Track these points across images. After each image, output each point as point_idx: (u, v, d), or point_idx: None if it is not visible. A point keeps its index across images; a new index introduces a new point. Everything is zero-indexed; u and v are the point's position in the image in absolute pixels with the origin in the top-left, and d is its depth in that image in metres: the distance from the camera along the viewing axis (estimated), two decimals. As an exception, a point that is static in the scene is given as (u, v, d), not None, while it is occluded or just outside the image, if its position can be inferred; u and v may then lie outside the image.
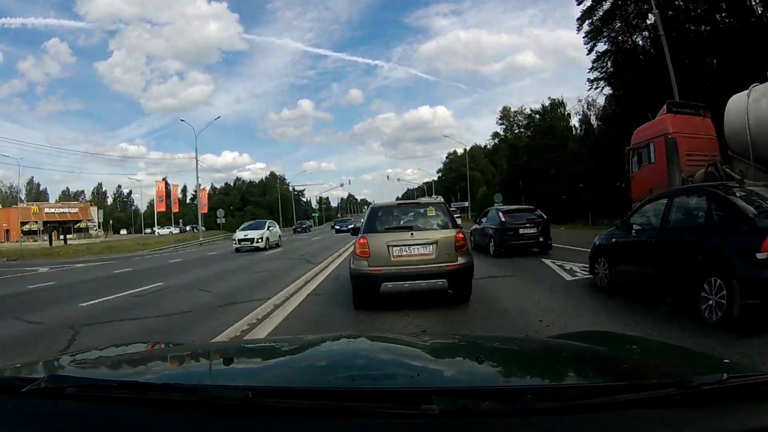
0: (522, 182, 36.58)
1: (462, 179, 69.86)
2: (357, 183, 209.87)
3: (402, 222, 6.11)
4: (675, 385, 0.84)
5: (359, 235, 6.08)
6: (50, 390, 0.93)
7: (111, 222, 69.68)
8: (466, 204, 56.28)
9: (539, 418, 0.80)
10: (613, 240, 6.41)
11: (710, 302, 4.24)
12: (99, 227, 55.44)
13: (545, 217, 12.75)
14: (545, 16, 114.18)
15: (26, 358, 4.15)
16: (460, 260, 5.75)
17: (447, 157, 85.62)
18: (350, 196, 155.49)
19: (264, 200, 79.08)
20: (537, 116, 39.40)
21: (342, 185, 74.68)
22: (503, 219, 12.31)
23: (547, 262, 9.98)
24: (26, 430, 0.91)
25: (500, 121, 47.63)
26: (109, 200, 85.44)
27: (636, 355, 1.33)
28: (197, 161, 36.85)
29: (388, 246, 5.73)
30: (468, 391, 0.91)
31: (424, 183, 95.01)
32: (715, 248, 4.39)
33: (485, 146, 70.77)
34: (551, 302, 6.02)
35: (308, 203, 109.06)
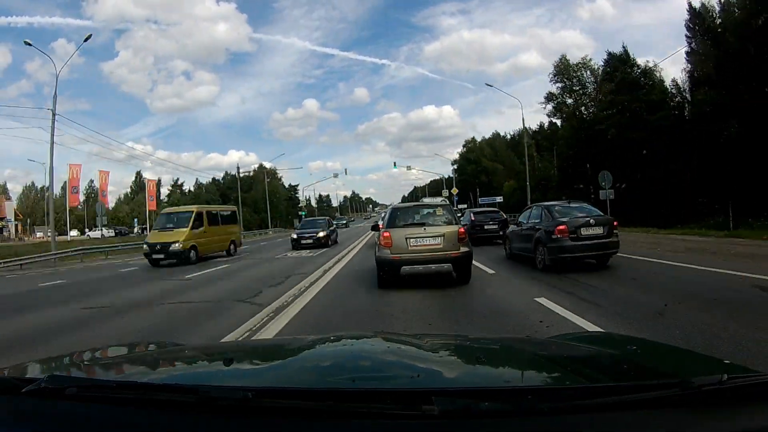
0: (591, 165, 26.79)
1: (483, 172, 62.76)
2: (362, 182, 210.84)
3: (416, 219, 7.62)
4: (675, 386, 0.84)
5: (383, 229, 7.62)
6: (50, 390, 0.93)
7: (30, 220, 61.05)
8: (498, 200, 45.24)
9: (539, 418, 0.80)
10: (509, 231, 11.47)
11: (539, 258, 8.83)
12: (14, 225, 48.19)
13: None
14: (552, 15, 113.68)
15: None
16: (462, 249, 7.27)
17: (464, 146, 74.67)
18: (354, 194, 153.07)
19: (249, 196, 65.85)
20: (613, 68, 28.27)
21: (336, 175, 61.95)
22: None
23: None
24: (26, 430, 0.91)
25: (555, 79, 34.14)
26: (81, 196, 78.55)
27: (636, 355, 1.33)
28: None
29: (406, 238, 7.24)
30: (468, 391, 0.91)
31: (431, 180, 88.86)
32: (540, 233, 8.94)
33: (512, 135, 61.87)
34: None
35: (308, 202, 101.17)
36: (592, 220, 8.50)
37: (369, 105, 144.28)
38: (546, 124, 51.67)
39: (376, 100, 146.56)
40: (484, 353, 1.42)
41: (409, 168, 59.21)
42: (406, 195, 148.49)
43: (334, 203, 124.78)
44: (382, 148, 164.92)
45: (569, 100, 33.89)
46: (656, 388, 0.86)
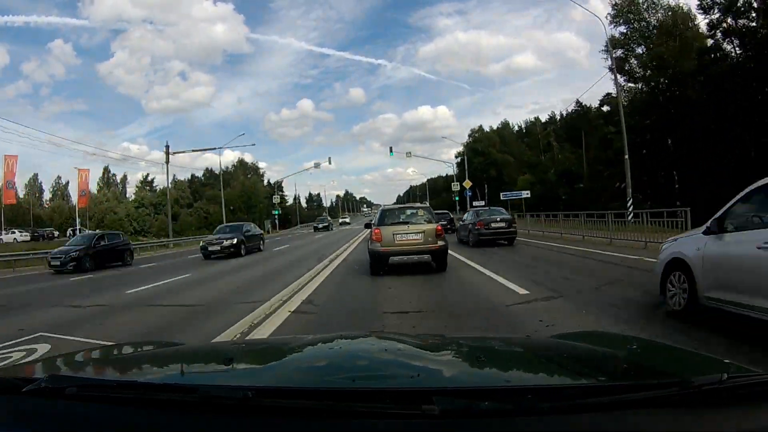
0: (673, 141, 19.83)
1: (493, 165, 54.57)
2: (357, 182, 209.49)
3: (402, 218, 9.09)
4: (675, 385, 0.85)
5: (374, 227, 9.04)
6: (50, 390, 0.93)
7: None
8: (525, 194, 35.60)
9: (539, 417, 0.80)
10: (458, 226, 18.32)
11: (469, 239, 15.33)
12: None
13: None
14: (549, 16, 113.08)
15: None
16: (439, 243, 8.72)
17: (470, 135, 64.93)
18: (348, 193, 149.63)
19: (225, 194, 55.11)
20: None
21: (318, 165, 49.58)
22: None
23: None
24: (26, 430, 0.91)
25: (616, 21, 25.45)
26: (47, 194, 65.78)
27: (636, 355, 1.33)
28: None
29: (393, 234, 8.69)
30: (468, 391, 0.91)
31: (428, 179, 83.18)
32: (471, 225, 15.50)
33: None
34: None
35: (296, 200, 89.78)
36: (498, 218, 15.42)
37: (365, 105, 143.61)
38: (563, 112, 46.22)
39: (372, 100, 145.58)
40: (484, 353, 1.42)
41: (408, 155, 51.02)
42: (401, 194, 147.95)
43: (326, 203, 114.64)
44: (378, 149, 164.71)
45: (639, 49, 25.29)
46: (656, 387, 0.86)
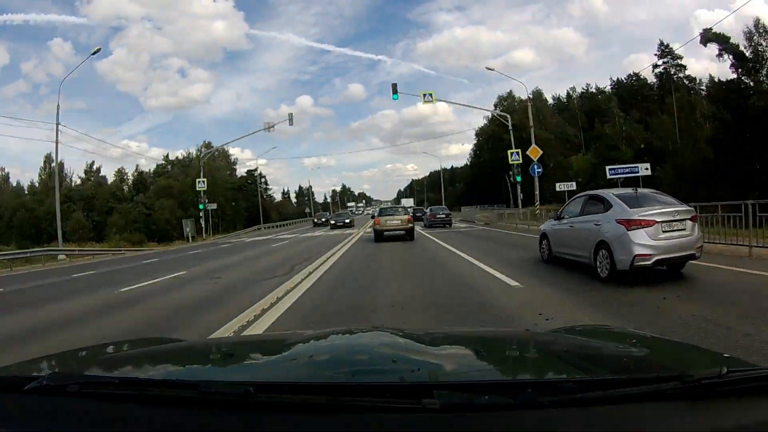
0: None
1: (527, 143, 30.21)
2: (357, 179, 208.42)
3: (390, 212, 18.33)
4: (674, 379, 0.85)
5: (375, 216, 18.48)
6: (52, 387, 0.93)
7: None
8: (645, 169, 22.62)
9: (540, 411, 0.80)
10: (424, 216, 29.82)
11: (426, 224, 26.73)
12: None
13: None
14: (549, 11, 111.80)
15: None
16: (409, 225, 16.73)
17: (497, 105, 51.31)
18: (345, 188, 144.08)
19: (177, 185, 44.44)
20: None
21: (270, 127, 32.21)
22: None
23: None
24: (28, 428, 0.91)
25: None
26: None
27: (635, 349, 1.33)
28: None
29: (386, 220, 17.07)
30: (468, 385, 0.91)
31: (430, 172, 79.60)
32: (425, 215, 29.11)
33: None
34: None
35: (286, 195, 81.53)
36: (440, 213, 26.45)
37: (364, 101, 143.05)
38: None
39: (372, 96, 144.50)
40: (485, 346, 1.43)
41: (428, 98, 26.29)
42: (402, 189, 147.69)
43: (319, 198, 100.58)
44: (377, 144, 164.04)
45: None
46: (656, 381, 0.86)
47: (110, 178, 51.45)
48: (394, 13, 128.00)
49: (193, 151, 51.93)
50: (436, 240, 16.17)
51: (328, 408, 0.83)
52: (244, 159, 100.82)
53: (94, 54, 23.58)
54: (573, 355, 1.27)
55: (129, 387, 0.95)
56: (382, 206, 19.68)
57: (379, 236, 16.49)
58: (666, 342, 1.70)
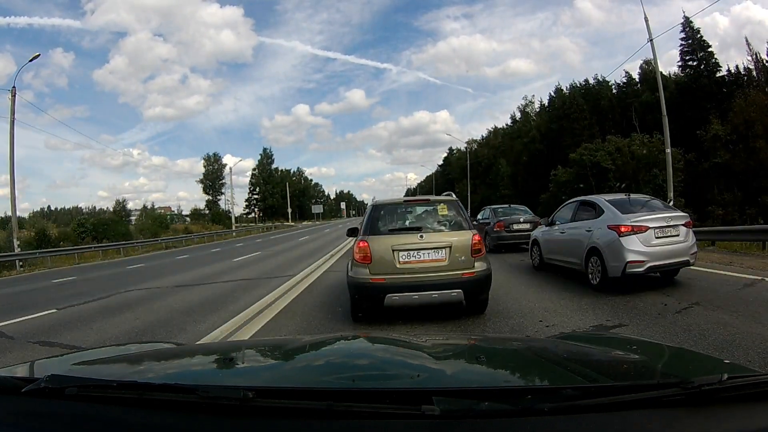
0: None
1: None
2: (357, 188, 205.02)
3: (409, 222, 5.25)
4: (675, 386, 0.85)
5: (359, 237, 5.13)
6: (51, 390, 0.93)
7: None
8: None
9: (539, 418, 0.80)
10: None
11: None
12: None
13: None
14: (556, 18, 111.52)
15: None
16: (478, 266, 4.89)
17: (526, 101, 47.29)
18: (345, 193, 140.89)
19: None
20: None
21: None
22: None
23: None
24: (26, 431, 0.90)
25: None
26: None
27: (636, 355, 1.33)
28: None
29: (393, 250, 4.85)
30: (468, 391, 0.91)
31: (426, 176, 71.25)
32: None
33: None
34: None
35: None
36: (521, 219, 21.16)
37: (368, 110, 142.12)
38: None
39: (376, 104, 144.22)
40: (484, 353, 1.42)
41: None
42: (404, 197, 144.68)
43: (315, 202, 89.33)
44: (377, 154, 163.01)
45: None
46: (656, 387, 0.86)
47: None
48: (401, 22, 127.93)
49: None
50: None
51: (327, 414, 0.82)
52: (245, 167, 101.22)
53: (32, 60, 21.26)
54: (572, 361, 1.27)
55: (128, 390, 0.95)
56: (378, 202, 5.51)
57: (367, 301, 4.94)
58: (666, 348, 1.70)
